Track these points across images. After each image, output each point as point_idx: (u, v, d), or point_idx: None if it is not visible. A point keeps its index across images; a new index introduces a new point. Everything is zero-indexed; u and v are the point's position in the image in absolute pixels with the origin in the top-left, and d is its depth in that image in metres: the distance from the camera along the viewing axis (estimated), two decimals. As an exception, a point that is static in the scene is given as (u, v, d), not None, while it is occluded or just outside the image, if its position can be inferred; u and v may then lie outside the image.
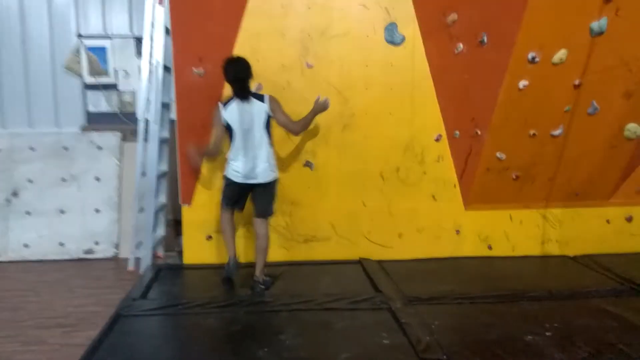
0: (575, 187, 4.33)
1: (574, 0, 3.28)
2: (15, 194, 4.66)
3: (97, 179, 4.75)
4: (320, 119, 4.06)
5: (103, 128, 4.88)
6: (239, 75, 3.41)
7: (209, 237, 4.16)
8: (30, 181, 4.67)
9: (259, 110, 3.48)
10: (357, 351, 2.65)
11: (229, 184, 3.58)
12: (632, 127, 3.99)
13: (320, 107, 3.64)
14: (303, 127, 3.68)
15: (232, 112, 3.47)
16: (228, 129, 3.52)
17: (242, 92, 3.45)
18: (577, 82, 3.67)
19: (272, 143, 3.60)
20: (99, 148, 4.79)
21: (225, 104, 3.51)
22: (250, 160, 3.47)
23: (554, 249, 4.46)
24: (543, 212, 4.42)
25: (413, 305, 3.23)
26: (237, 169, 3.49)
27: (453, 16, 3.84)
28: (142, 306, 3.22)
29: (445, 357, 2.56)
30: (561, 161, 4.12)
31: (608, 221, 4.50)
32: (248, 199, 3.70)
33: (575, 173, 4.22)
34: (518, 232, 4.42)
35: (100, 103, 4.94)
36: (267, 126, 3.54)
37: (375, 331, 2.87)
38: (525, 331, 2.89)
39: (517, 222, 4.41)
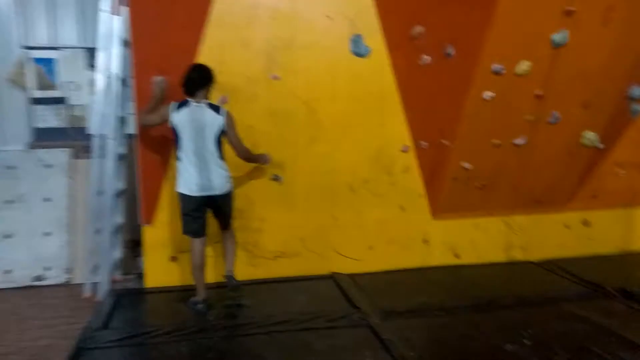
0: (537, 194, 4.46)
1: (536, 13, 3.38)
2: (-47, 218, 4.26)
3: (47, 199, 4.42)
4: (287, 131, 4.00)
5: (52, 145, 4.56)
6: (191, 75, 3.31)
7: (173, 258, 3.94)
8: (-30, 204, 4.28)
9: (212, 120, 3.31)
10: (343, 373, 2.56)
11: (185, 200, 3.35)
12: (589, 135, 4.16)
13: (262, 160, 3.75)
14: (250, 159, 3.67)
15: (182, 116, 3.27)
16: (175, 134, 3.32)
17: (190, 90, 3.29)
18: (539, 92, 3.78)
19: (224, 157, 3.44)
20: (48, 166, 4.46)
21: (178, 106, 3.31)
22: (204, 171, 3.30)
23: (517, 255, 4.57)
24: (506, 219, 4.52)
25: (391, 320, 3.18)
26: (191, 181, 3.30)
27: (418, 28, 3.87)
28: (104, 337, 2.97)
29: (432, 373, 2.52)
30: (523, 170, 4.23)
31: (567, 226, 4.65)
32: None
33: (536, 181, 4.35)
34: (483, 240, 4.49)
35: (49, 118, 4.62)
36: (219, 141, 3.37)
37: (358, 350, 2.79)
38: (504, 340, 2.90)
39: (482, 230, 4.48)
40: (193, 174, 3.30)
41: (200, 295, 3.44)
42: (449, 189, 4.18)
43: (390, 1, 3.95)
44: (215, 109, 3.35)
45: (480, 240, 4.47)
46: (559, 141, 4.15)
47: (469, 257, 4.44)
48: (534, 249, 4.58)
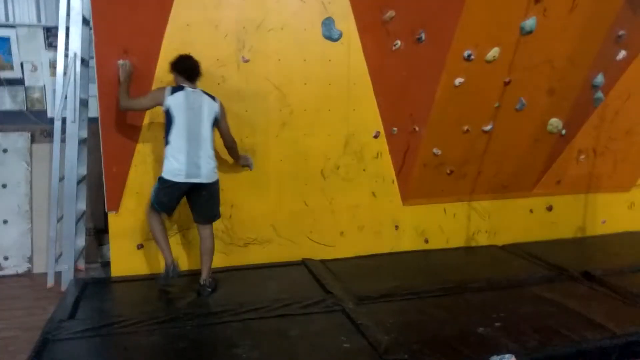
0: (503, 179, 4.55)
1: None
2: None
3: (4, 185, 4.21)
4: (258, 116, 3.93)
5: (8, 129, 4.32)
6: (191, 62, 3.33)
7: (140, 246, 3.83)
8: None
9: (209, 107, 3.33)
10: (320, 358, 2.55)
11: (168, 186, 3.26)
12: (554, 122, 4.27)
13: (244, 161, 3.77)
14: (234, 151, 3.64)
15: (178, 99, 3.24)
16: (168, 118, 3.25)
17: (192, 76, 3.32)
18: (507, 79, 3.83)
19: (213, 147, 3.41)
20: (4, 151, 4.24)
21: (173, 90, 3.28)
22: (193, 157, 3.24)
23: (484, 240, 4.67)
24: (474, 204, 4.60)
25: (365, 305, 3.20)
26: (178, 166, 3.22)
27: (390, 13, 3.84)
28: (71, 328, 2.85)
29: (407, 356, 2.54)
30: (490, 155, 4.30)
31: (531, 211, 4.79)
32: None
33: (502, 166, 4.44)
34: (451, 225, 4.57)
35: (4, 101, 4.36)
36: (213, 127, 3.36)
37: (333, 335, 2.79)
38: (475, 323, 2.96)
39: (450, 215, 4.56)
40: (181, 159, 3.22)
41: (168, 259, 3.36)
42: (419, 175, 4.21)
43: (362, -16, 3.90)
44: (211, 96, 3.36)
45: (448, 225, 4.54)
46: (526, 127, 4.24)
47: (437, 242, 4.51)
48: (500, 234, 4.69)
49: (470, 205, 4.59)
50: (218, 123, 3.41)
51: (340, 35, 3.99)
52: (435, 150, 4.10)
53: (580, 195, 4.87)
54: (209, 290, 3.40)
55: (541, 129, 4.29)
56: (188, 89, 3.30)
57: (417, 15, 3.70)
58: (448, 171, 4.28)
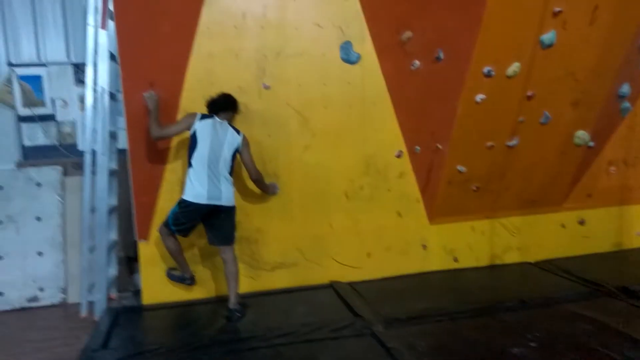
0: (531, 194, 4.47)
1: (525, 14, 3.40)
2: (-58, 242, 4.16)
3: (38, 218, 4.34)
4: (280, 140, 3.98)
5: (41, 163, 4.49)
6: (216, 98, 3.51)
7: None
8: (-41, 226, 4.19)
9: (232, 138, 3.48)
10: (351, 384, 2.52)
11: (189, 208, 3.37)
12: (580, 134, 4.19)
13: (271, 190, 3.88)
14: (260, 183, 3.74)
15: (206, 125, 3.41)
16: (193, 141, 3.40)
17: (212, 109, 3.50)
18: (529, 93, 3.79)
19: (233, 174, 3.54)
20: (38, 185, 4.39)
21: (202, 117, 3.46)
22: (214, 180, 3.38)
23: (515, 257, 4.56)
24: (503, 221, 4.52)
25: (394, 328, 3.15)
26: (201, 189, 3.34)
27: (407, 34, 3.87)
28: (104, 357, 2.91)
29: (440, 380, 2.49)
30: (517, 170, 4.24)
31: (563, 225, 4.67)
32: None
33: (530, 181, 4.36)
34: (481, 243, 4.48)
35: (37, 136, 4.55)
36: (233, 159, 3.50)
37: (363, 360, 2.75)
38: (509, 344, 2.88)
39: (479, 232, 4.48)
40: (203, 182, 3.35)
41: (187, 273, 3.70)
42: (445, 192, 4.17)
43: (378, 8, 3.96)
44: (235, 130, 3.52)
45: (477, 243, 4.46)
46: (551, 141, 4.17)
47: (467, 261, 4.43)
48: (531, 250, 4.58)
49: (499, 222, 4.51)
50: (241, 155, 3.56)
51: (359, 58, 4.04)
52: (459, 167, 4.06)
53: (613, 208, 4.74)
54: (238, 315, 3.42)
55: (568, 141, 4.21)
56: (216, 118, 3.47)
57: (434, 34, 3.71)
58: (474, 188, 4.23)
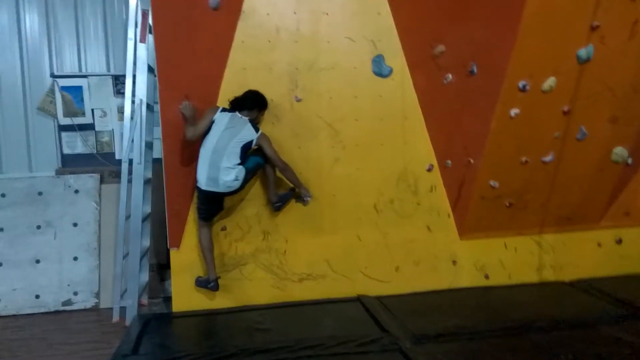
0: (567, 211, 4.35)
1: (561, 28, 3.34)
2: (-15, 244, 4.34)
3: (75, 224, 4.48)
4: (311, 152, 4.01)
5: (79, 170, 4.64)
6: (239, 95, 3.63)
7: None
8: (1, 230, 4.36)
9: (245, 134, 3.57)
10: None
11: (199, 192, 3.63)
12: (618, 151, 4.07)
13: (304, 193, 3.87)
14: (288, 173, 3.77)
15: (222, 118, 3.56)
16: (207, 131, 3.56)
17: (234, 106, 3.62)
18: (566, 108, 3.71)
19: (242, 164, 3.59)
20: (76, 191, 4.54)
21: (223, 109, 3.61)
22: (213, 167, 3.52)
23: (549, 275, 4.43)
24: (536, 238, 4.41)
25: (422, 344, 3.11)
26: (200, 175, 3.56)
27: (440, 48, 3.86)
28: (134, 363, 2.97)
29: (469, 400, 2.43)
30: (552, 187, 4.13)
31: (599, 244, 4.52)
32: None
33: (566, 198, 4.25)
34: (513, 260, 4.38)
35: (76, 144, 4.72)
36: (243, 152, 3.57)
37: (391, 376, 2.72)
38: (542, 365, 2.80)
39: (511, 249, 4.38)
40: (204, 168, 3.53)
41: (212, 275, 3.71)
42: (477, 208, 4.10)
43: (410, 21, 3.97)
44: (255, 127, 3.61)
45: (510, 260, 4.36)
46: (588, 157, 4.06)
47: (499, 278, 4.33)
48: (565, 269, 4.44)
49: (532, 239, 4.40)
50: (263, 151, 3.64)
51: (391, 71, 4.05)
52: (492, 182, 3.99)
53: (653, 228, 4.56)
54: (278, 204, 3.83)
55: (605, 158, 4.09)
56: (237, 114, 3.60)
57: (468, 48, 3.69)
58: (507, 204, 4.15)
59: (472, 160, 3.94)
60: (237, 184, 3.56)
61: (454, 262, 4.28)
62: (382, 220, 4.15)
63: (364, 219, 4.13)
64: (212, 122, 3.56)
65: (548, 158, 3.95)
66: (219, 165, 3.50)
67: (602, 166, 4.13)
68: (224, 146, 3.52)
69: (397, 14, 4.00)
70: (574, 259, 4.45)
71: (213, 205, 3.68)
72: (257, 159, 3.68)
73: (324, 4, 3.91)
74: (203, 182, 3.54)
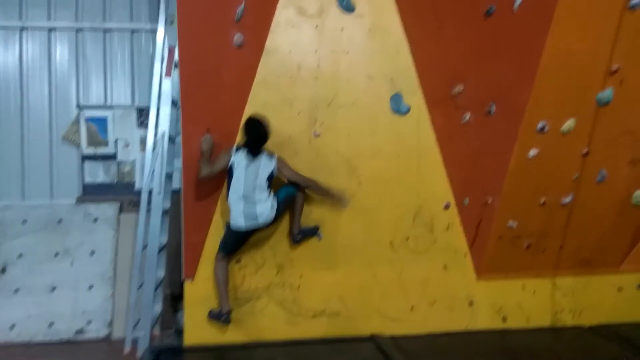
0: (586, 254, 4.27)
1: (580, 71, 3.37)
2: (3, 270, 4.39)
3: (92, 252, 4.53)
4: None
5: (99, 199, 4.72)
6: (261, 136, 3.62)
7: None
8: (20, 256, 4.42)
9: (265, 164, 3.65)
10: None
11: (233, 232, 3.65)
12: (639, 194, 4.01)
13: (337, 198, 3.90)
14: (316, 188, 3.83)
15: (240, 159, 3.61)
16: (230, 173, 3.62)
17: (256, 150, 3.63)
18: (585, 150, 3.70)
19: (271, 193, 3.68)
20: (95, 220, 4.60)
21: (237, 149, 3.65)
22: (250, 204, 3.59)
23: (568, 319, 4.32)
24: (555, 281, 4.32)
25: (438, 388, 3.02)
26: (239, 215, 3.58)
27: (459, 87, 3.91)
28: (144, 396, 2.93)
29: None
30: (571, 229, 4.08)
31: (620, 289, 4.41)
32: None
33: (585, 241, 4.18)
34: (532, 302, 4.28)
35: (98, 173, 4.81)
36: (269, 179, 3.66)
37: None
38: (563, 415, 2.69)
39: (530, 291, 4.29)
40: (240, 208, 3.58)
41: (225, 307, 3.70)
42: (494, 248, 4.05)
43: (429, 61, 4.03)
44: (268, 155, 3.69)
45: (528, 302, 4.26)
46: (608, 200, 4.01)
47: (516, 321, 4.23)
48: (585, 313, 4.33)
49: (551, 282, 4.31)
50: (283, 175, 3.72)
51: (409, 109, 4.10)
52: (510, 222, 3.95)
53: (677, 273, 4.44)
54: (299, 236, 3.84)
55: (626, 201, 4.03)
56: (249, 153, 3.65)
57: (487, 88, 3.72)
58: (525, 245, 4.09)
59: (490, 200, 3.91)
60: (273, 214, 3.63)
61: (471, 303, 4.20)
62: (397, 258, 4.12)
63: (379, 255, 4.10)
64: (231, 164, 3.61)
65: (567, 199, 3.91)
66: (254, 200, 3.58)
67: (622, 209, 4.07)
68: (253, 182, 3.59)
69: (416, 53, 4.08)
70: (593, 304, 4.34)
71: (242, 242, 3.76)
72: (287, 189, 3.75)
73: (344, 43, 4.01)
74: (242, 224, 3.58)
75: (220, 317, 3.71)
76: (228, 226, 3.66)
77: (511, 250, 4.09)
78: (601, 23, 3.25)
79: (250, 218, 3.58)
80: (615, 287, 4.41)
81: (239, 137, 3.80)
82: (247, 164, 3.60)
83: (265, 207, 3.60)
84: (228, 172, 3.63)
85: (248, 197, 3.58)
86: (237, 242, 3.74)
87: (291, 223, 3.88)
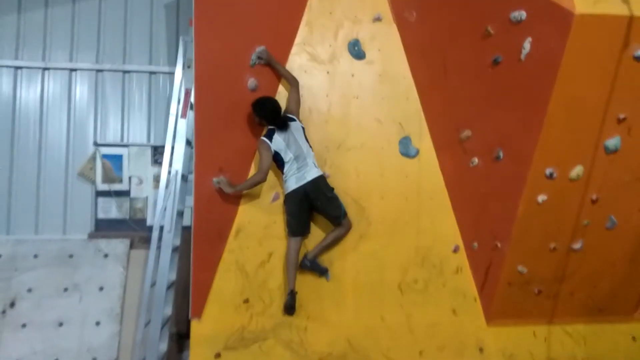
0: (598, 302, 4.20)
1: (588, 119, 3.41)
2: (12, 304, 4.41)
3: (101, 288, 4.55)
4: (337, 228, 4.04)
5: (111, 235, 4.78)
6: (275, 108, 3.79)
7: (217, 355, 3.88)
8: (29, 290, 4.46)
9: (296, 128, 3.82)
10: None
11: (289, 199, 3.81)
12: (650, 241, 3.98)
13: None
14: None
15: (278, 142, 3.76)
16: (278, 157, 3.78)
17: (282, 122, 3.78)
18: (594, 197, 3.71)
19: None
20: (105, 256, 4.65)
21: (268, 136, 3.76)
22: (301, 169, 3.79)
23: (581, 369, 4.22)
24: (567, 328, 4.23)
25: None
26: (291, 180, 3.78)
27: (467, 132, 3.97)
28: None
29: None
30: (582, 275, 4.04)
31: (634, 338, 4.31)
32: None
33: (597, 288, 4.12)
34: (543, 350, 4.19)
35: (111, 209, 4.89)
36: (305, 137, 3.88)
37: None
38: None
39: (541, 339, 4.21)
40: (295, 173, 3.79)
41: (291, 285, 3.83)
42: (504, 293, 4.01)
43: (437, 106, 4.13)
44: (290, 119, 3.84)
45: (539, 350, 4.16)
46: (619, 246, 3.98)
47: (527, 369, 4.14)
48: (598, 362, 4.23)
49: (563, 329, 4.23)
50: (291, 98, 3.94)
51: (417, 152, 4.16)
52: (520, 268, 3.93)
53: (693, 322, 4.34)
54: (307, 263, 3.86)
55: (637, 248, 3.99)
56: (276, 129, 3.78)
57: (494, 134, 3.78)
58: (536, 291, 4.04)
59: (499, 244, 3.90)
60: (319, 173, 3.86)
61: (481, 350, 4.12)
62: (406, 301, 4.08)
63: (387, 298, 4.07)
64: (274, 153, 3.76)
65: (577, 246, 3.89)
66: (307, 164, 3.80)
67: (634, 256, 4.03)
68: (303, 154, 3.80)
69: (424, 99, 4.18)
70: (606, 352, 4.23)
71: (303, 214, 3.83)
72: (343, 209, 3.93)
73: (354, 88, 4.13)
74: (294, 186, 3.77)
75: (287, 297, 3.84)
76: (286, 196, 3.83)
77: (522, 296, 4.04)
78: (607, 72, 3.31)
79: (300, 179, 3.76)
80: (629, 335, 4.31)
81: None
82: (286, 143, 3.76)
83: (315, 165, 3.85)
84: (276, 158, 3.79)
85: (301, 163, 3.78)
86: (298, 213, 3.80)
87: (313, 249, 3.92)
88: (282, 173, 3.85)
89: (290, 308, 3.82)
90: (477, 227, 4.06)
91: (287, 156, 3.78)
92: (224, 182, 3.78)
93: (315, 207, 3.85)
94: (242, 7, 3.95)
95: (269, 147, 3.75)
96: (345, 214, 3.91)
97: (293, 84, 3.94)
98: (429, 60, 4.06)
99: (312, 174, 3.79)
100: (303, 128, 3.89)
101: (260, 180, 3.75)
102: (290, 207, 3.82)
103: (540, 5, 3.19)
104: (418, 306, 4.09)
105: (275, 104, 3.80)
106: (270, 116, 3.77)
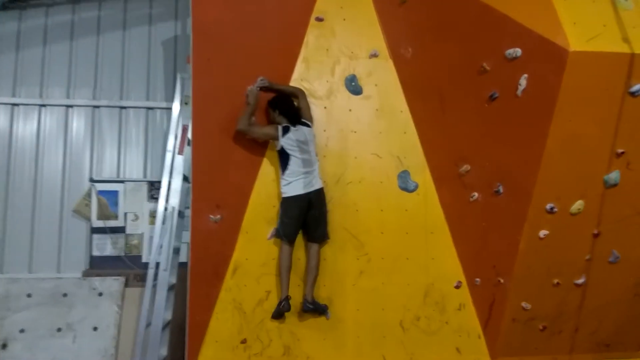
0: (604, 337, 4.11)
1: (586, 153, 3.39)
2: (4, 346, 4.29)
3: (95, 328, 4.44)
4: (335, 264, 3.98)
5: (105, 273, 4.69)
6: (295, 106, 3.90)
7: (215, 397, 3.76)
8: (22, 331, 4.34)
9: (309, 133, 3.87)
10: None
11: (292, 202, 3.74)
12: (655, 276, 3.92)
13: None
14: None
15: (290, 139, 3.75)
16: (283, 154, 3.77)
17: (300, 120, 3.86)
18: (596, 231, 3.66)
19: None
20: (100, 294, 4.55)
21: (284, 131, 3.77)
22: (309, 175, 3.78)
23: (589, 407, 4.09)
24: (573, 365, 4.13)
25: None
26: (298, 185, 3.73)
27: (466, 167, 3.95)
28: None
29: None
30: (587, 310, 3.95)
31: (643, 375, 4.21)
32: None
33: (602, 323, 4.03)
34: (550, 388, 4.08)
35: (106, 246, 4.82)
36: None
37: None
38: None
39: (547, 376, 4.10)
40: (300, 181, 3.75)
41: (284, 293, 3.73)
42: (509, 330, 3.91)
43: (436, 141, 4.11)
44: (304, 124, 3.89)
45: (545, 388, 4.06)
46: (622, 281, 3.91)
47: (534, 408, 4.02)
48: (607, 400, 4.11)
49: (569, 366, 4.13)
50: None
51: (416, 186, 4.13)
52: (524, 304, 3.85)
53: (701, 358, 4.25)
54: (310, 306, 3.74)
55: (641, 282, 3.94)
56: (291, 127, 3.80)
57: (493, 169, 3.75)
58: (540, 327, 3.95)
59: (502, 280, 3.83)
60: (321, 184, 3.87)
61: (486, 389, 4.01)
62: (408, 339, 3.98)
63: (389, 336, 3.97)
64: (281, 149, 3.76)
65: (580, 281, 3.83)
66: (313, 170, 3.81)
67: (639, 290, 3.96)
68: (310, 157, 3.81)
69: (422, 133, 4.17)
70: (615, 390, 4.13)
71: (301, 219, 3.78)
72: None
73: (352, 123, 4.13)
74: (302, 188, 3.73)
75: (279, 305, 3.72)
76: (284, 200, 3.76)
77: (526, 333, 3.95)
78: (604, 108, 3.31)
79: (308, 185, 3.74)
80: (636, 371, 4.21)
81: (247, 217, 3.82)
82: (298, 141, 3.76)
83: (319, 177, 3.85)
84: (281, 154, 3.79)
85: (307, 167, 3.77)
86: (295, 216, 3.74)
87: (305, 288, 3.82)
88: (282, 173, 3.80)
89: (280, 315, 3.77)
90: (479, 262, 4.00)
91: (294, 156, 3.75)
92: (253, 93, 3.83)
93: (309, 216, 3.81)
94: (239, 44, 3.98)
95: (276, 135, 3.76)
96: (327, 239, 3.92)
97: (299, 94, 3.99)
98: (426, 95, 4.07)
99: (318, 183, 3.83)
100: (314, 136, 3.92)
101: (240, 127, 3.72)
102: (292, 210, 3.76)
103: (535, 42, 3.21)
104: (421, 345, 3.99)
105: (292, 104, 3.91)
106: (291, 111, 3.84)
